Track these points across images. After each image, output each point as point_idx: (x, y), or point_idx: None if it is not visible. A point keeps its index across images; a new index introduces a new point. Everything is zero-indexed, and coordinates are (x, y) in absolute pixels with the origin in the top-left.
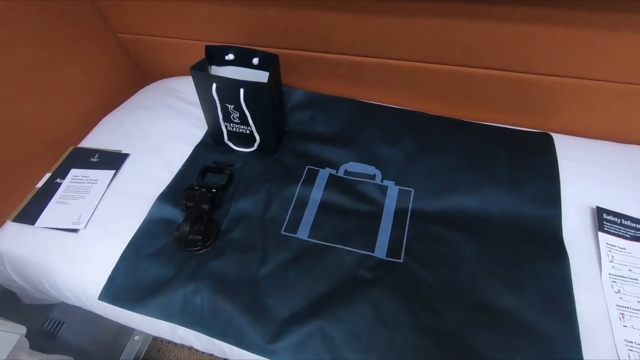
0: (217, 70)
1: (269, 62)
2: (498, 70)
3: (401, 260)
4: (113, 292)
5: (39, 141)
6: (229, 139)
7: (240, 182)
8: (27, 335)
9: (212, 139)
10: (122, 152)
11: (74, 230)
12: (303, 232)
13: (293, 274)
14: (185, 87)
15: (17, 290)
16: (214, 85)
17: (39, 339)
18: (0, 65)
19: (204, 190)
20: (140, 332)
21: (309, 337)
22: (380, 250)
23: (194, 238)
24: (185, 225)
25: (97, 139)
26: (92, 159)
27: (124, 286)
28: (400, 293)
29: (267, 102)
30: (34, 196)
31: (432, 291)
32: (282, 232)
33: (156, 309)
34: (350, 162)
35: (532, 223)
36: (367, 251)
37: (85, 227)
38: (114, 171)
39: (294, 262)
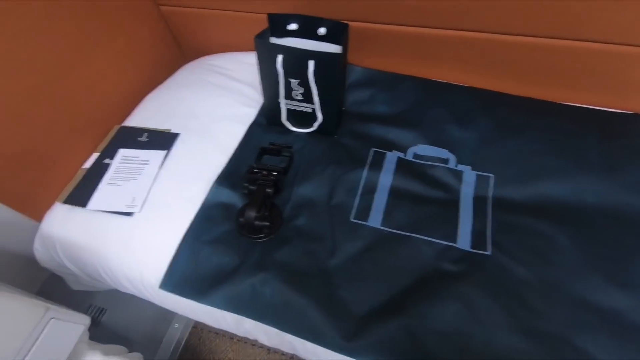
0: (278, 42)
1: (338, 33)
2: (592, 42)
3: (489, 253)
4: (174, 280)
5: (83, 118)
6: (287, 119)
7: (300, 166)
8: None
9: (266, 118)
10: (172, 131)
11: (129, 214)
12: (375, 220)
13: (368, 266)
14: (230, 63)
15: (66, 276)
16: (280, 57)
17: None
18: (45, 37)
19: (265, 172)
20: (180, 320)
21: (393, 335)
22: (463, 241)
23: (260, 225)
24: (251, 211)
25: (141, 117)
26: (140, 139)
27: (186, 275)
28: (492, 289)
29: (338, 76)
30: (83, 177)
31: (527, 287)
32: (352, 220)
33: (221, 300)
34: (418, 145)
35: (637, 214)
36: (449, 241)
37: (140, 211)
38: (165, 151)
39: (368, 253)
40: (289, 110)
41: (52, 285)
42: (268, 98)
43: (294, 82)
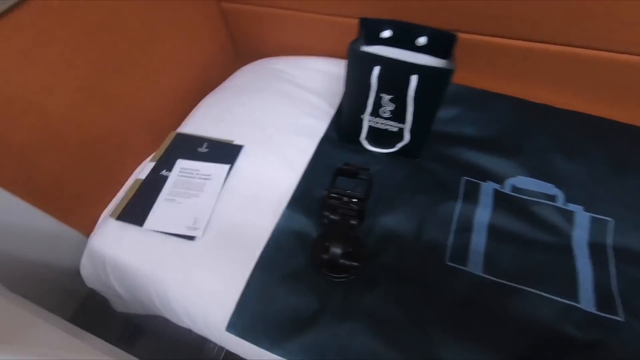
0: (375, 52)
1: (441, 44)
2: None
3: (621, 319)
4: (243, 322)
5: (138, 121)
6: (365, 137)
7: (381, 192)
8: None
9: (340, 134)
10: (234, 142)
11: (190, 238)
12: (475, 265)
13: (472, 322)
14: (295, 69)
15: (111, 297)
16: (377, 70)
17: (119, 345)
18: (107, 35)
19: (345, 199)
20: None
21: None
22: (586, 299)
23: (348, 264)
24: (336, 247)
25: (199, 123)
26: (199, 149)
27: (257, 316)
28: None
29: (442, 94)
30: (138, 190)
31: None
32: (448, 263)
33: (300, 352)
34: (518, 176)
35: None
36: (570, 300)
37: (203, 235)
38: (228, 165)
39: (470, 305)
40: (370, 128)
41: (90, 303)
42: (348, 112)
43: (386, 97)
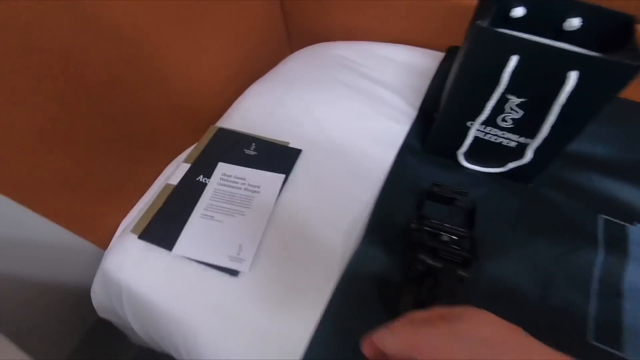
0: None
1: (600, 30)
2: None
3: None
4: None
5: (169, 111)
6: (465, 151)
7: (485, 227)
8: None
9: (428, 144)
10: (290, 145)
11: (233, 273)
12: (634, 349)
13: None
14: (363, 57)
15: (126, 330)
16: (513, 60)
17: None
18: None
19: (444, 236)
20: None
21: None
22: None
23: None
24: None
25: (244, 117)
26: (246, 150)
27: None
28: None
29: (609, 102)
30: (168, 199)
31: None
32: (592, 342)
33: None
34: None
35: None
36: None
37: (250, 269)
38: (283, 175)
39: None
40: (476, 140)
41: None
42: (448, 116)
43: (515, 101)
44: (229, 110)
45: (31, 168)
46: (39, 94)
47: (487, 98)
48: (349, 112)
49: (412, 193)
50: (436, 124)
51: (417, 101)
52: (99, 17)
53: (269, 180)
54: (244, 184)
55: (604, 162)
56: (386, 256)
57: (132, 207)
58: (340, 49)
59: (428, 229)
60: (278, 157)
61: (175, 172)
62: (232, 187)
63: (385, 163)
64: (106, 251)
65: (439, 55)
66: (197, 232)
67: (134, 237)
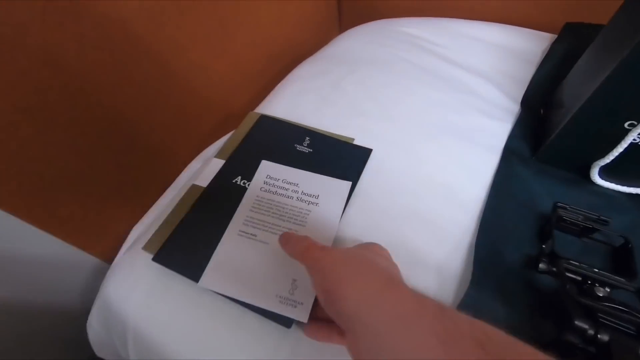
0: None
1: None
2: None
3: None
4: None
5: (199, 92)
6: (608, 163)
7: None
8: None
9: (547, 152)
10: (356, 142)
11: (285, 322)
12: None
13: None
14: (440, 36)
15: None
16: None
17: None
18: None
19: (597, 288)
20: None
21: None
22: None
23: None
24: None
25: (291, 105)
26: (298, 146)
27: None
28: None
29: None
30: (194, 207)
31: None
32: None
33: None
34: None
35: None
36: None
37: (308, 318)
38: (349, 183)
39: None
40: (632, 148)
41: None
42: (591, 115)
43: None
44: (270, 96)
45: (18, 169)
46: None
47: None
48: (426, 101)
49: (526, 217)
50: (566, 124)
51: (518, 93)
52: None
53: (331, 188)
54: (296, 191)
55: None
56: (503, 308)
57: (146, 210)
58: (407, 26)
59: (571, 275)
60: (340, 158)
61: (203, 170)
62: (281, 194)
63: (486, 173)
64: (109, 271)
65: (544, 37)
66: (232, 257)
67: (147, 256)
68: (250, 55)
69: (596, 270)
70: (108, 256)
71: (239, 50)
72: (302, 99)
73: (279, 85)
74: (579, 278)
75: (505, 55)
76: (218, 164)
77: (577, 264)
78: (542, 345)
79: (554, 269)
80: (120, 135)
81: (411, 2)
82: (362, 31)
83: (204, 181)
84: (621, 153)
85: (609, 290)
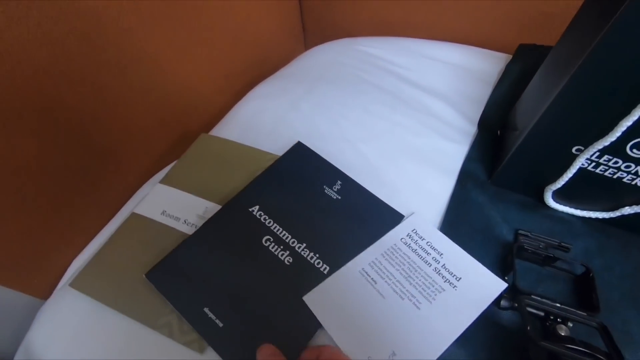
0: None
1: None
2: None
3: None
4: None
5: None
6: (561, 187)
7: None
8: None
9: (502, 175)
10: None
11: None
12: None
13: None
14: (400, 56)
15: None
16: None
17: None
18: None
19: (560, 327)
20: None
21: None
22: None
23: None
24: None
25: (247, 126)
26: (327, 189)
27: None
28: None
29: None
30: (198, 231)
31: None
32: None
33: None
34: None
35: None
36: None
37: None
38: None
39: None
40: (582, 173)
41: None
42: (541, 138)
43: None
44: (227, 116)
45: None
46: None
47: (622, 112)
48: (385, 123)
49: (481, 244)
50: (517, 149)
51: (475, 114)
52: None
53: (478, 278)
54: (438, 261)
55: None
56: (460, 348)
57: (89, 240)
58: (369, 45)
59: (533, 310)
60: (369, 215)
61: (146, 197)
62: (420, 256)
63: (440, 196)
64: (38, 312)
65: (500, 57)
66: (342, 291)
67: (75, 295)
68: (207, 77)
69: (558, 305)
70: (48, 293)
71: (194, 72)
72: (259, 119)
73: (236, 105)
74: (542, 314)
75: (463, 75)
76: (163, 191)
77: (539, 299)
78: None
79: (516, 305)
80: (59, 156)
81: (374, 20)
82: (325, 50)
83: (146, 210)
84: (571, 178)
85: (571, 325)
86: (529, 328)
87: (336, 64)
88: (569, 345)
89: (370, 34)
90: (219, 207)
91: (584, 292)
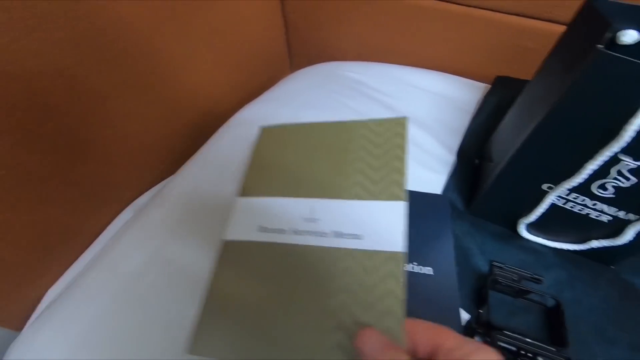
0: None
1: None
2: None
3: None
4: None
5: (122, 143)
6: (534, 220)
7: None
8: None
9: (478, 206)
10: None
11: None
12: None
13: None
14: (382, 82)
15: None
16: None
17: None
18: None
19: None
20: None
21: None
22: None
23: None
24: None
25: (230, 151)
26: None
27: None
28: None
29: None
30: None
31: None
32: None
33: None
34: None
35: None
36: None
37: None
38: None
39: None
40: (553, 208)
41: None
42: (515, 174)
43: (629, 164)
44: (212, 139)
45: None
46: None
47: (587, 156)
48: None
49: (460, 275)
50: (493, 181)
51: (454, 143)
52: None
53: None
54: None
55: None
56: None
57: (64, 270)
58: (354, 71)
59: (505, 345)
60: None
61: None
62: None
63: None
64: (9, 350)
65: (481, 87)
66: None
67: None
68: (194, 102)
69: (529, 340)
70: (21, 325)
71: (182, 96)
72: (241, 145)
73: (220, 128)
74: (514, 349)
75: (444, 104)
76: (248, 205)
77: (511, 334)
78: None
79: (488, 339)
80: (36, 184)
81: (359, 44)
82: (309, 74)
83: (238, 233)
84: (543, 213)
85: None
86: None
87: (321, 89)
88: None
89: (355, 58)
90: (328, 201)
91: (554, 325)
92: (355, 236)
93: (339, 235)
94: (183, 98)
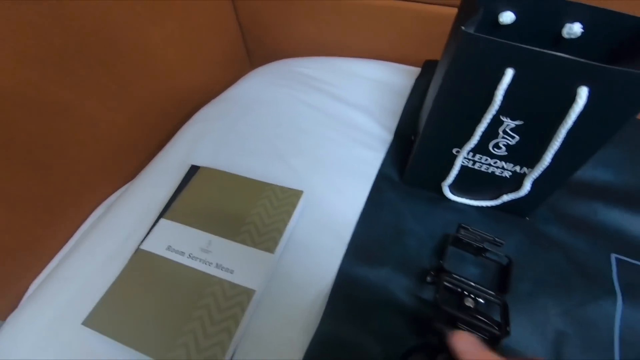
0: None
1: (607, 36)
2: None
3: None
4: None
5: (86, 147)
6: (451, 182)
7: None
8: None
9: (408, 175)
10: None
11: None
12: None
13: None
14: (329, 74)
15: None
16: (509, 73)
17: None
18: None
19: (467, 299)
20: None
21: None
22: None
23: None
24: None
25: (189, 149)
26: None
27: None
28: None
29: (624, 120)
30: None
31: None
32: None
33: None
34: None
35: None
36: None
37: None
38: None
39: None
40: (463, 169)
41: None
42: (430, 143)
43: (509, 124)
44: (173, 140)
45: None
46: None
47: (476, 121)
48: (314, 137)
49: (393, 237)
50: (415, 152)
51: (393, 124)
52: None
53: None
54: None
55: (606, 189)
56: (357, 330)
57: (46, 263)
58: (304, 66)
59: (448, 284)
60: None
61: (151, 233)
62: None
63: (360, 199)
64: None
65: (416, 71)
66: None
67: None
68: (155, 102)
69: (472, 283)
70: (6, 315)
71: (143, 97)
72: (200, 143)
73: (180, 130)
74: (459, 290)
75: (383, 89)
76: (167, 226)
77: (456, 277)
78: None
79: (437, 280)
80: (16, 184)
81: (310, 42)
82: (264, 72)
83: (151, 246)
84: (458, 174)
85: (482, 302)
86: (437, 296)
87: (273, 85)
88: (471, 313)
89: (306, 54)
90: (221, 239)
91: (503, 279)
92: (230, 270)
93: (219, 266)
94: (149, 103)
